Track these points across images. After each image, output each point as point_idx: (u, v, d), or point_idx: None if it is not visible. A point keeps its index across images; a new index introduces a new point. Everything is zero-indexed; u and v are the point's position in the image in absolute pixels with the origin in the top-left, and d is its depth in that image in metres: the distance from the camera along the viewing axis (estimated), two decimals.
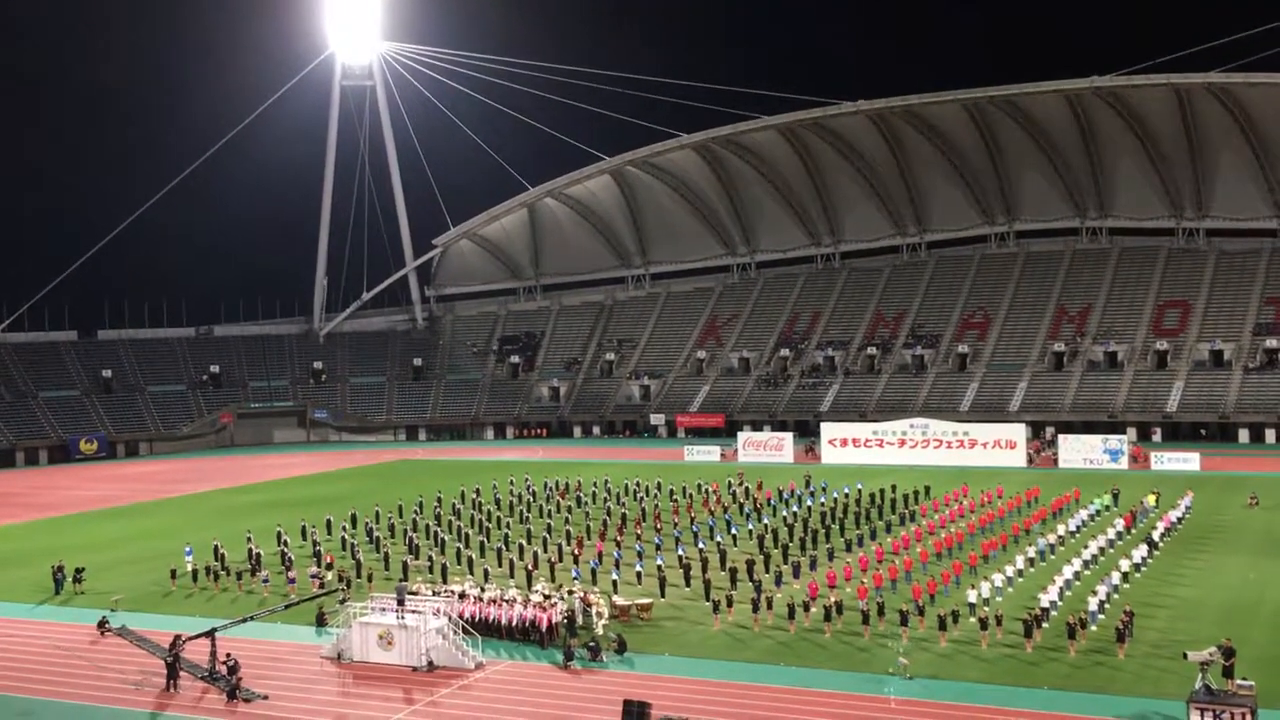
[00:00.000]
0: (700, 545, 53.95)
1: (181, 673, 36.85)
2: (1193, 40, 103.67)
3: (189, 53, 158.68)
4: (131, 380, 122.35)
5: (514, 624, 40.64)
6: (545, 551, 54.03)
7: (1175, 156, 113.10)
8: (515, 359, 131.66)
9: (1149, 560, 49.47)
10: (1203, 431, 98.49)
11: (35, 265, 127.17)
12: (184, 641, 37.62)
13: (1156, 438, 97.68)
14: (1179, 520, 58.61)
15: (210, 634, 37.97)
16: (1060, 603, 41.86)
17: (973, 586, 43.03)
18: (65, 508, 78.17)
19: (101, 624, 43.30)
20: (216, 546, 54.02)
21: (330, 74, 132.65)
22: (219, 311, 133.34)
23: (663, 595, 45.92)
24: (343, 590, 46.95)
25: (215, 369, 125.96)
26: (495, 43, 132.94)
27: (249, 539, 55.72)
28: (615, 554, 51.61)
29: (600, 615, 41.01)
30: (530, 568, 49.82)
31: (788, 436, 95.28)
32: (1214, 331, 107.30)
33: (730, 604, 42.90)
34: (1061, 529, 55.17)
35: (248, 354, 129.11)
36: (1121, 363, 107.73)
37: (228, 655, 36.54)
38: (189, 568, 52.19)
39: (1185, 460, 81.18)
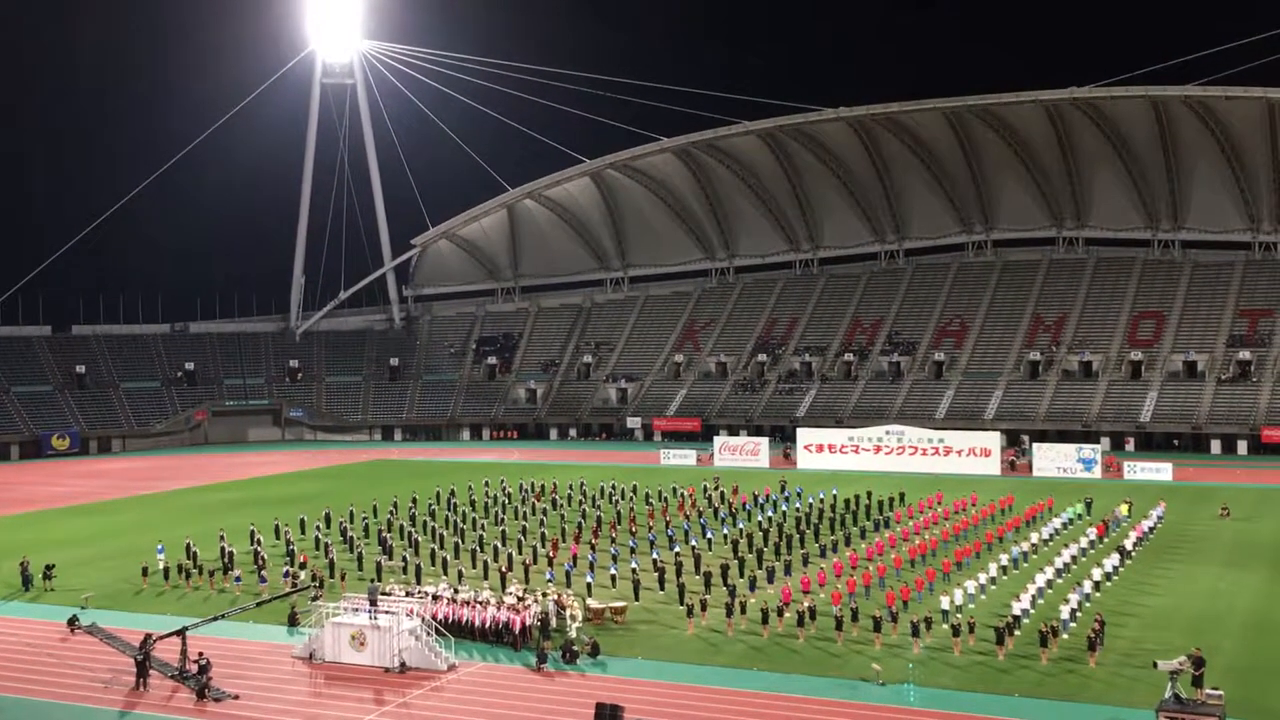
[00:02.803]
0: (675, 549, 53.95)
1: (151, 671, 36.62)
2: (1170, 53, 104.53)
3: (168, 48, 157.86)
4: (105, 376, 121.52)
5: (487, 626, 40.55)
6: (519, 553, 53.93)
7: (1152, 168, 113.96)
8: (492, 360, 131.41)
9: (1121, 569, 49.77)
10: (1176, 442, 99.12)
11: (9, 259, 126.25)
12: (154, 640, 37.39)
13: (1130, 447, 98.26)
14: (1151, 530, 58.97)
15: (181, 633, 37.75)
16: (1032, 610, 42.05)
17: (945, 593, 43.16)
18: (36, 504, 77.57)
19: (71, 621, 42.99)
20: (189, 544, 53.71)
21: (310, 72, 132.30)
22: (195, 308, 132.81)
23: (637, 598, 45.89)
24: (314, 587, 46.80)
25: (190, 366, 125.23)
26: (477, 43, 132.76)
27: (222, 537, 55.38)
28: (590, 556, 51.59)
29: (574, 618, 40.96)
30: (504, 569, 49.74)
31: (764, 441, 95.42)
32: (1188, 343, 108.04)
33: (704, 608, 42.91)
34: (1034, 537, 55.44)
35: (223, 351, 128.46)
36: (1096, 372, 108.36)
37: (200, 654, 36.33)
38: (161, 565, 51.84)
39: (1158, 470, 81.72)
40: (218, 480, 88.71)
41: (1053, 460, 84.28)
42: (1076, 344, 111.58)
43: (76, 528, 67.08)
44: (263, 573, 49.64)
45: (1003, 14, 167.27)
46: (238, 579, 49.71)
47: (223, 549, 53.23)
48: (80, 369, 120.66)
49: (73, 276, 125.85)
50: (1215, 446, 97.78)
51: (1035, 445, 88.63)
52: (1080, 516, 62.79)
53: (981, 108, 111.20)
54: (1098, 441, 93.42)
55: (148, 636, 37.54)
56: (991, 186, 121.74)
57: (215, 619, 41.20)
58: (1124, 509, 62.62)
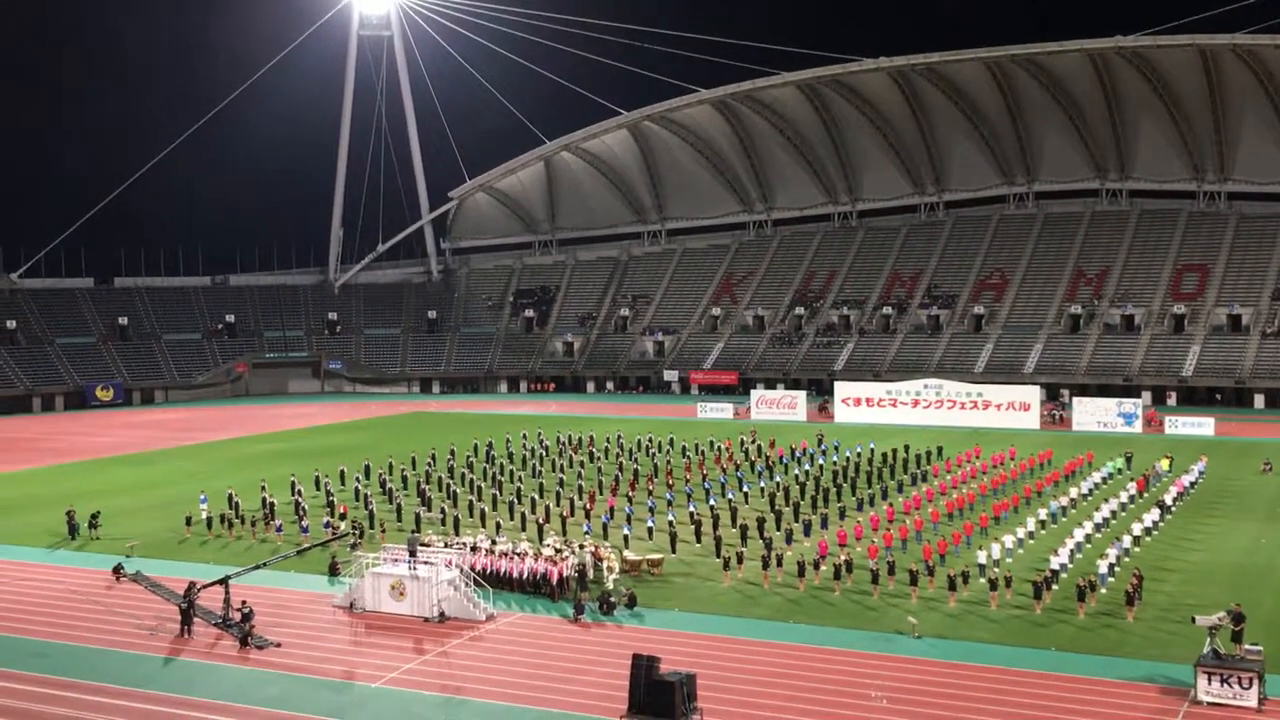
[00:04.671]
0: (711, 502, 54.09)
1: (195, 619, 37.21)
2: (1219, 0, 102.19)
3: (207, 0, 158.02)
4: (148, 328, 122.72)
5: (525, 577, 40.87)
6: (557, 505, 54.24)
7: (1198, 118, 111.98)
8: (530, 313, 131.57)
9: (1160, 524, 49.48)
10: (1218, 396, 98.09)
11: (53, 211, 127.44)
12: (198, 588, 37.94)
13: (1171, 402, 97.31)
14: (1192, 485, 58.54)
15: (224, 581, 38.29)
16: (1070, 565, 41.93)
17: (983, 547, 43.11)
18: (81, 454, 78.71)
19: (117, 570, 43.69)
20: (231, 495, 54.34)
21: (348, 23, 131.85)
22: (235, 261, 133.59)
23: (673, 551, 46.11)
24: (354, 534, 47.32)
25: (231, 318, 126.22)
26: None
27: (263, 488, 56.06)
28: (627, 509, 51.78)
29: (611, 570, 41.21)
30: (541, 521, 50.06)
31: (801, 395, 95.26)
32: (1232, 295, 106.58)
33: (740, 561, 43.06)
34: (1074, 492, 55.16)
35: (263, 304, 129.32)
36: (1138, 326, 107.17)
37: (243, 602, 36.85)
38: (204, 515, 52.56)
39: (1200, 425, 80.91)
40: (258, 431, 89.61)
41: (1093, 415, 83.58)
42: (1119, 297, 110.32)
43: (121, 477, 68.05)
44: (304, 523, 50.19)
45: None
46: (279, 529, 50.30)
47: (264, 499, 53.87)
48: (123, 321, 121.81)
49: (115, 229, 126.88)
50: (1258, 401, 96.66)
51: (1075, 399, 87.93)
52: (1120, 471, 62.40)
53: (1025, 57, 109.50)
54: (1139, 396, 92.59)
55: (191, 585, 38.11)
56: (1034, 137, 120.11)
57: (257, 567, 41.78)
58: (1164, 464, 62.14)
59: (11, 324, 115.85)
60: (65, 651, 35.54)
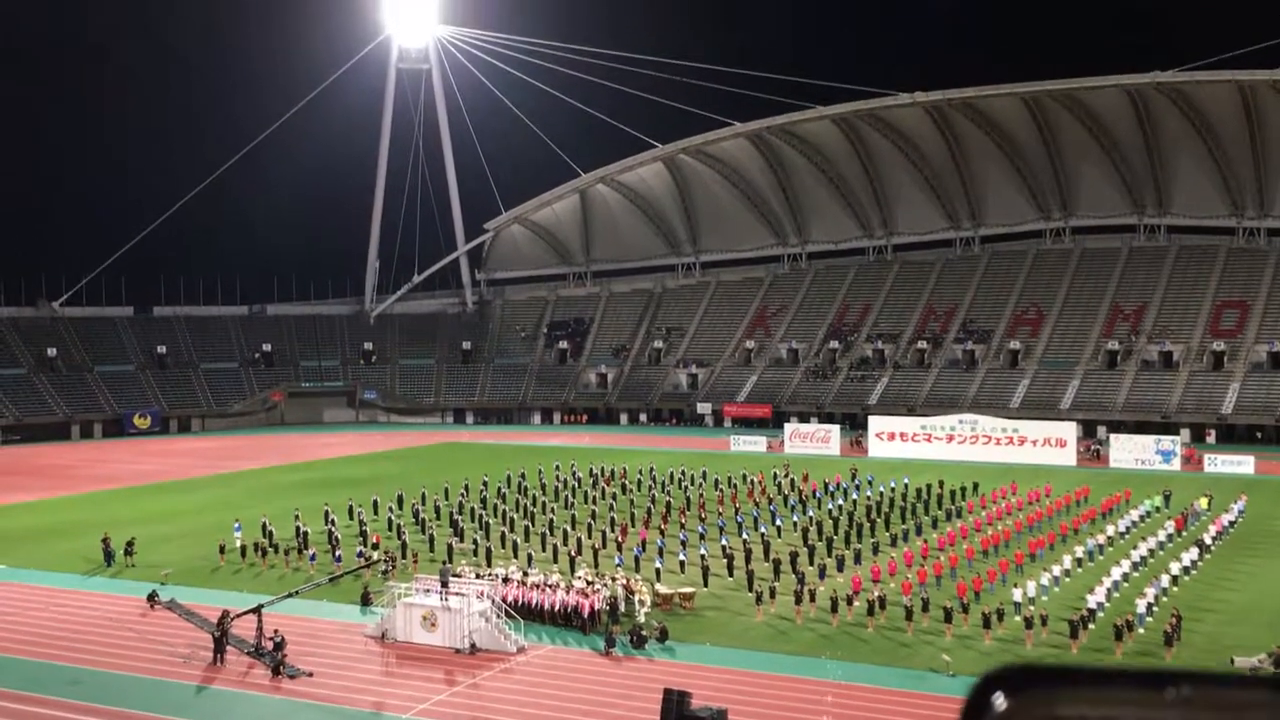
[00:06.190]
0: (744, 535, 53.83)
1: (228, 647, 37.30)
2: (1259, 36, 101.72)
3: (247, 31, 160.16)
4: (185, 357, 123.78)
5: (556, 609, 40.77)
6: (589, 538, 54.11)
7: (1238, 154, 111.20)
8: (564, 344, 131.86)
9: (1199, 563, 48.81)
10: (1258, 434, 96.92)
11: (93, 241, 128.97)
12: (232, 617, 38.06)
13: (1211, 439, 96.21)
14: (1231, 524, 57.76)
15: (257, 610, 38.40)
16: (1107, 604, 41.37)
17: (1018, 585, 42.65)
18: (118, 481, 79.32)
19: (151, 597, 43.91)
20: (265, 523, 54.54)
21: (386, 57, 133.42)
22: (272, 290, 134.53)
23: (705, 585, 45.88)
24: (386, 562, 47.40)
25: (267, 348, 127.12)
26: (551, 28, 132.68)
27: (297, 517, 56.23)
28: (659, 542, 51.59)
29: (643, 603, 41.04)
30: (574, 553, 49.96)
31: (835, 429, 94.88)
32: (1273, 333, 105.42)
33: (773, 595, 42.79)
34: (1111, 529, 54.55)
35: (299, 333, 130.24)
36: (1177, 363, 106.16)
37: (275, 631, 36.91)
38: (238, 544, 52.76)
39: (1239, 463, 79.98)
40: (293, 460, 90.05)
41: (1130, 452, 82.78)
42: (1156, 333, 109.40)
43: (156, 505, 68.45)
44: (337, 552, 50.29)
45: None
46: (313, 558, 50.44)
47: (298, 528, 54.05)
48: (161, 349, 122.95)
49: (154, 258, 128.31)
50: None
51: (1113, 436, 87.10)
52: (1158, 509, 61.69)
53: (1062, 92, 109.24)
54: (1177, 433, 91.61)
55: (225, 613, 38.22)
56: (1071, 173, 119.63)
57: (290, 595, 41.88)
58: (1203, 502, 61.40)
59: (52, 351, 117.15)
60: (98, 678, 35.69)
